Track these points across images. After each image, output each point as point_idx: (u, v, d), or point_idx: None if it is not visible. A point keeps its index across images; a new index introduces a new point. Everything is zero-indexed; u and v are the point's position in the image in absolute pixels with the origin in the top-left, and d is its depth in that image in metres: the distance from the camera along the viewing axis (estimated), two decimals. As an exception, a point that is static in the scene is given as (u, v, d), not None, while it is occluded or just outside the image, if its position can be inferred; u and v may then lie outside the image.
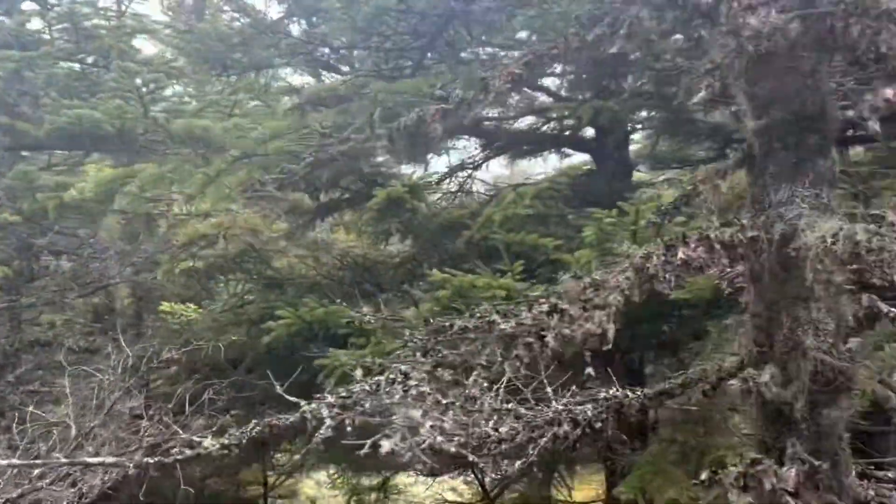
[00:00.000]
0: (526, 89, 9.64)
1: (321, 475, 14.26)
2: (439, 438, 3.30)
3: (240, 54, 7.70)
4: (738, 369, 3.99)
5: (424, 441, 3.38)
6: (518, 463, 4.50)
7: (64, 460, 4.27)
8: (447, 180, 9.92)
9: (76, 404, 4.98)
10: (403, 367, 3.74)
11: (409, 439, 3.37)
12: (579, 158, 10.93)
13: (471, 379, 3.67)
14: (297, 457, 12.09)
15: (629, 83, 8.29)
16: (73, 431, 4.75)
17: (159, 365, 6.88)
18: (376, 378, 3.71)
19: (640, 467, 6.65)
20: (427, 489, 13.85)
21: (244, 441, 3.51)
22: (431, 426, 3.42)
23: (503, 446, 4.24)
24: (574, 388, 4.90)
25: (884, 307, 3.61)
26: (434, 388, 3.54)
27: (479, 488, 12.09)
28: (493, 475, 10.81)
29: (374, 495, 13.21)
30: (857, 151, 8.05)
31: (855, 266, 3.55)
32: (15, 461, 4.31)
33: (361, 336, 7.27)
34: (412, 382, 3.58)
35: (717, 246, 3.81)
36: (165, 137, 6.85)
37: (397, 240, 9.68)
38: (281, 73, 9.50)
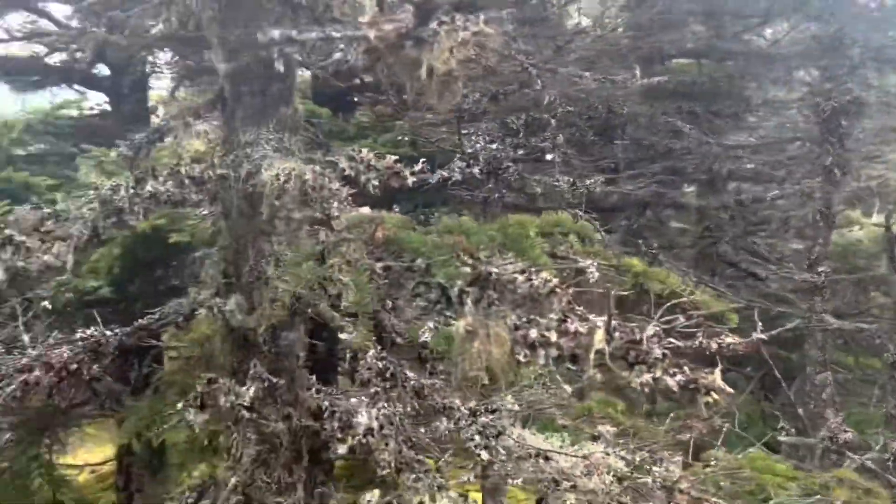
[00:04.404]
0: (26, 11, 8.66)
1: None
2: None
3: None
4: (209, 300, 4.23)
5: None
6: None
7: None
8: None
9: None
10: None
11: None
12: (89, 99, 10.21)
13: None
14: None
15: (136, 20, 7.96)
16: None
17: None
18: None
19: (139, 411, 6.60)
20: None
21: None
22: None
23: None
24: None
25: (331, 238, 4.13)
26: None
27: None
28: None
29: None
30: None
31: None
32: None
33: None
34: None
35: (188, 181, 3.97)
36: None
37: None
38: None
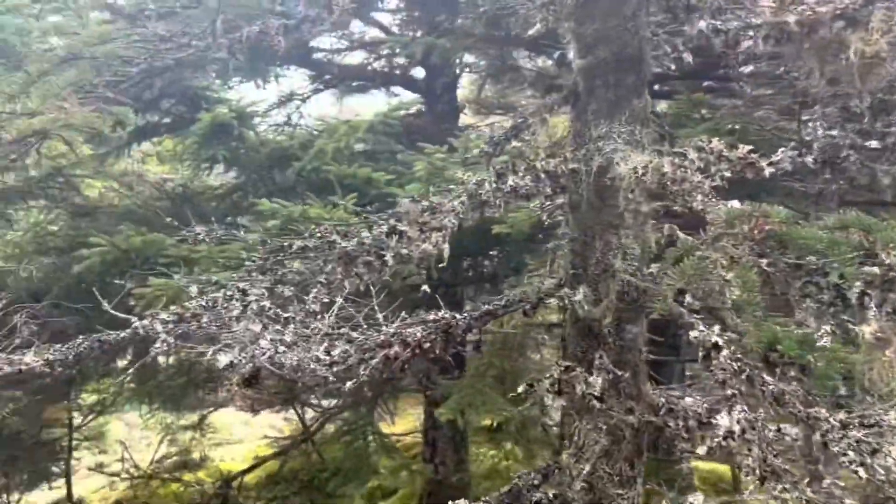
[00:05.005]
0: (358, 20, 9.58)
1: (131, 416, 13.71)
2: (282, 349, 3.35)
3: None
4: (555, 290, 4.35)
5: (265, 353, 3.41)
6: (349, 383, 4.64)
7: None
8: (275, 111, 9.67)
9: None
10: (241, 285, 3.74)
11: (249, 352, 3.39)
12: (407, 99, 11.05)
13: (310, 295, 3.74)
14: (105, 396, 11.56)
15: (461, 22, 8.47)
16: None
17: None
18: (213, 295, 3.68)
19: (460, 390, 7.06)
20: (248, 427, 13.77)
21: (70, 357, 3.36)
22: (272, 339, 3.46)
23: (335, 368, 4.36)
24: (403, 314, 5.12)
25: (680, 234, 4.07)
26: (274, 303, 3.57)
27: (299, 424, 12.17)
28: (316, 409, 10.99)
29: (189, 434, 12.91)
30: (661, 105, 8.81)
31: (661, 197, 3.99)
32: None
33: (185, 266, 7.03)
34: (251, 298, 3.58)
35: (543, 175, 4.11)
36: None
37: (219, 171, 9.35)
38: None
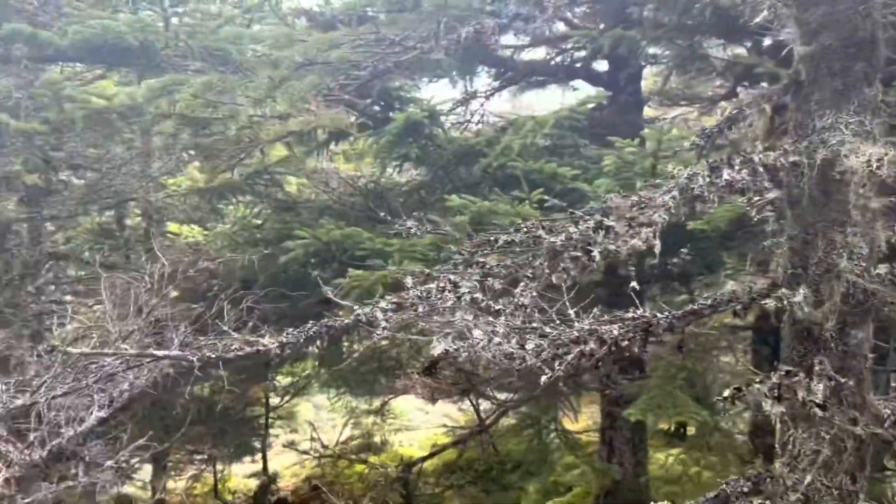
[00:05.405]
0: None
1: (318, 398, 14.59)
2: (497, 340, 3.43)
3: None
4: (771, 290, 4.14)
5: (479, 343, 3.51)
6: (544, 377, 4.66)
7: (132, 351, 4.38)
8: (459, 109, 9.88)
9: (113, 309, 5.08)
10: (452, 277, 3.86)
11: (465, 341, 3.50)
12: (585, 93, 10.90)
13: (518, 288, 3.79)
14: (297, 380, 12.40)
15: (648, 13, 8.23)
16: (114, 334, 4.87)
17: (193, 275, 6.96)
18: (426, 286, 3.83)
19: (649, 391, 6.89)
20: (426, 414, 14.22)
21: (302, 340, 3.63)
22: (483, 331, 3.55)
23: (529, 362, 4.40)
24: (595, 311, 5.07)
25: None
26: (486, 295, 3.66)
27: (474, 415, 12.39)
28: (493, 401, 11.14)
29: (371, 419, 13.54)
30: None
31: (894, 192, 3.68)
32: (86, 350, 4.42)
33: (379, 258, 7.37)
34: (463, 290, 3.70)
35: (761, 169, 3.92)
36: (186, 52, 6.77)
37: (405, 168, 9.71)
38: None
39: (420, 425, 14.66)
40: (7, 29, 6.65)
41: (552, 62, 10.27)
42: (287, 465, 13.00)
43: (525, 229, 3.96)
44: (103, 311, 5.28)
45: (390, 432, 13.72)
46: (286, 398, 12.33)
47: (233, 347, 3.64)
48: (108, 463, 5.84)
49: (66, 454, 6.18)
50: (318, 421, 14.01)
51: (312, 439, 12.25)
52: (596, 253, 3.83)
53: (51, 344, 5.24)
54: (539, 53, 10.45)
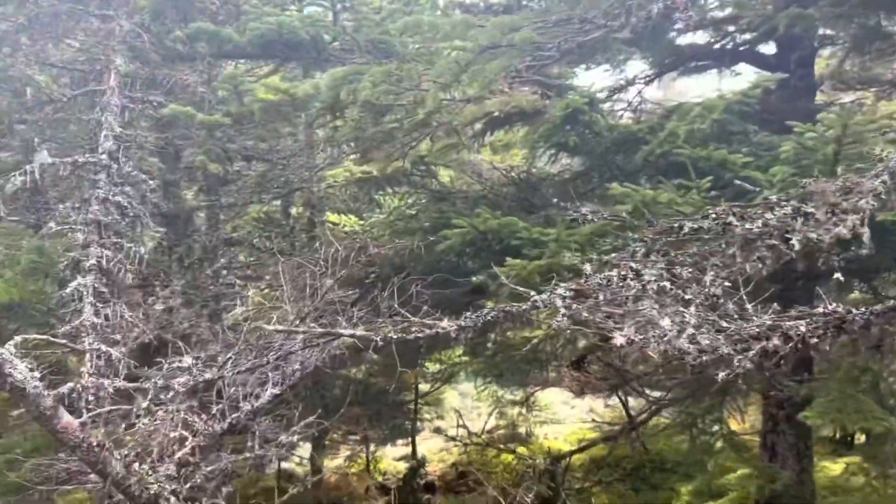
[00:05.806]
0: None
1: (464, 387, 14.78)
2: (690, 331, 3.29)
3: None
4: None
5: (665, 335, 3.38)
6: (721, 374, 4.43)
7: (320, 329, 4.59)
8: (616, 95, 9.63)
9: (291, 291, 5.35)
10: (633, 265, 3.74)
11: (649, 332, 3.38)
12: (745, 79, 10.30)
13: (707, 277, 3.62)
14: (446, 367, 12.59)
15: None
16: (291, 315, 5.12)
17: (365, 260, 7.22)
18: (607, 273, 3.73)
19: (828, 393, 6.41)
20: (571, 408, 14.08)
21: (479, 324, 3.63)
22: (672, 321, 3.41)
23: (704, 358, 4.19)
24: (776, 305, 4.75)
25: None
26: (674, 285, 3.52)
27: (622, 411, 12.11)
28: (647, 398, 10.81)
29: (516, 409, 13.55)
30: None
31: None
32: (280, 327, 4.68)
33: (535, 248, 7.30)
34: (648, 278, 3.57)
35: None
36: (353, 46, 6.98)
37: (556, 158, 9.57)
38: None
39: (565, 419, 14.51)
40: (193, 27, 7.14)
41: (716, 46, 9.80)
42: (434, 451, 13.25)
43: (714, 216, 3.77)
44: (281, 293, 5.55)
45: (535, 424, 13.67)
46: (435, 385, 12.54)
47: (412, 329, 3.70)
48: (282, 438, 6.15)
49: (240, 427, 6.57)
50: (463, 409, 14.18)
51: (459, 426, 12.40)
52: (795, 241, 3.59)
53: (238, 321, 5.56)
54: (699, 37, 9.99)
